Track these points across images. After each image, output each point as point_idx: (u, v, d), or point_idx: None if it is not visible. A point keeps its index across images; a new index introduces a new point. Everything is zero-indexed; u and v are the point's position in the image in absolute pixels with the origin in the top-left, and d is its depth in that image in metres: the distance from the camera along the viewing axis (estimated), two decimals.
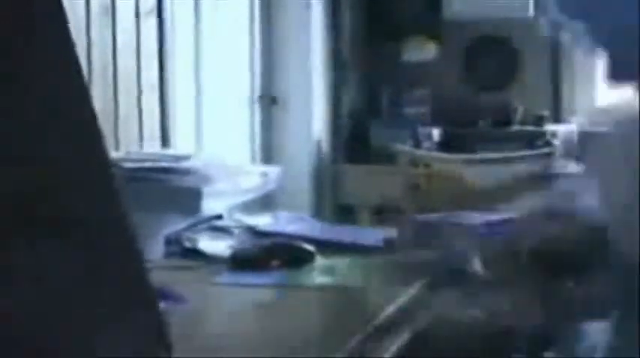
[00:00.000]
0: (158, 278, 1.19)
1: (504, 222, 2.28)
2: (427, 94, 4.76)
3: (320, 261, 2.01)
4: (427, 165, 4.24)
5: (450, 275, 1.92)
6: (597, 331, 1.71)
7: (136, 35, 2.72)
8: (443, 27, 4.80)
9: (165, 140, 2.85)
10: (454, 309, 1.80)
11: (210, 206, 2.17)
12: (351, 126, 4.63)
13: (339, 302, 1.75)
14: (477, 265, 1.88)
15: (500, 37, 4.77)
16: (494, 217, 2.29)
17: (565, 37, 4.24)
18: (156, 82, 2.83)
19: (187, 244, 2.13)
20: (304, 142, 4.25)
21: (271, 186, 2.48)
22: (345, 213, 4.24)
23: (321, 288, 1.85)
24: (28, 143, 0.84)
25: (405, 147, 4.35)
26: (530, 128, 4.57)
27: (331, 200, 4.35)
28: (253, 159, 4.05)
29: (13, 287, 0.80)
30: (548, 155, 4.18)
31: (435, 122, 4.63)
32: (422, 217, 2.33)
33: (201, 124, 3.50)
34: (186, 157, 2.26)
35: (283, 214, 2.56)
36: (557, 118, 4.72)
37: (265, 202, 2.89)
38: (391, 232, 2.27)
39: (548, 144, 4.25)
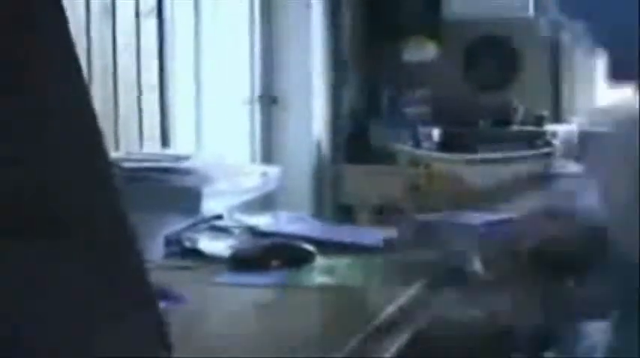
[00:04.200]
0: (158, 278, 1.20)
1: (504, 222, 2.28)
2: (427, 94, 4.75)
3: (320, 261, 2.02)
4: (427, 165, 4.24)
5: (449, 275, 1.92)
6: (597, 331, 1.71)
7: (136, 35, 2.72)
8: (443, 27, 4.80)
9: (165, 140, 2.85)
10: (454, 309, 1.80)
11: (210, 206, 2.17)
12: (351, 126, 4.63)
13: (339, 303, 1.75)
14: (476, 265, 1.88)
15: (500, 37, 4.77)
16: (494, 217, 2.29)
17: (565, 37, 4.24)
18: (156, 82, 2.83)
19: (187, 244, 2.14)
20: (304, 142, 4.25)
21: (271, 186, 2.48)
22: (345, 213, 4.24)
23: (321, 288, 1.85)
24: (28, 143, 0.84)
25: (405, 147, 4.35)
26: (530, 128, 4.57)
27: (331, 200, 4.35)
28: (253, 159, 4.04)
29: (12, 288, 0.80)
30: (548, 155, 4.18)
31: (435, 122, 4.63)
32: (422, 217, 2.33)
33: (201, 124, 3.50)
34: (186, 157, 2.26)
35: (283, 214, 2.57)
36: (557, 118, 4.72)
37: (265, 202, 2.88)
38: (391, 232, 2.27)
39: (549, 144, 4.25)
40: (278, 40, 4.26)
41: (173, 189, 2.09)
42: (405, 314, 1.74)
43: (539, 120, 4.57)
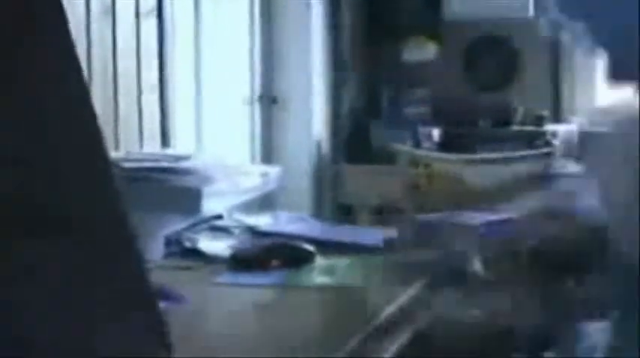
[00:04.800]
0: (158, 278, 1.20)
1: (504, 222, 2.28)
2: (427, 94, 4.75)
3: (320, 261, 2.01)
4: (427, 165, 4.24)
5: (450, 275, 1.92)
6: (597, 331, 1.71)
7: (136, 35, 2.72)
8: (443, 27, 4.80)
9: (165, 140, 2.86)
10: (454, 309, 1.80)
11: (210, 206, 2.17)
12: (351, 126, 4.63)
13: (338, 303, 1.75)
14: (476, 265, 1.88)
15: (500, 37, 4.77)
16: (494, 217, 2.29)
17: (565, 37, 4.23)
18: (156, 82, 2.83)
19: (187, 244, 2.14)
20: (304, 142, 4.25)
21: (271, 186, 2.48)
22: (345, 213, 4.24)
23: (321, 288, 1.85)
24: (29, 143, 0.84)
25: (405, 147, 4.35)
26: (530, 128, 4.57)
27: (331, 200, 4.35)
28: (253, 159, 4.04)
29: (13, 287, 0.80)
30: (548, 155, 4.18)
31: (435, 122, 4.63)
32: (422, 217, 2.33)
33: (201, 124, 3.50)
34: (186, 157, 2.26)
35: (283, 214, 2.56)
36: (557, 118, 4.72)
37: (265, 202, 2.88)
38: (391, 232, 2.27)
39: (548, 144, 4.25)
40: (278, 40, 4.26)
41: (173, 189, 2.09)
42: (405, 314, 1.74)
43: (539, 120, 4.57)
